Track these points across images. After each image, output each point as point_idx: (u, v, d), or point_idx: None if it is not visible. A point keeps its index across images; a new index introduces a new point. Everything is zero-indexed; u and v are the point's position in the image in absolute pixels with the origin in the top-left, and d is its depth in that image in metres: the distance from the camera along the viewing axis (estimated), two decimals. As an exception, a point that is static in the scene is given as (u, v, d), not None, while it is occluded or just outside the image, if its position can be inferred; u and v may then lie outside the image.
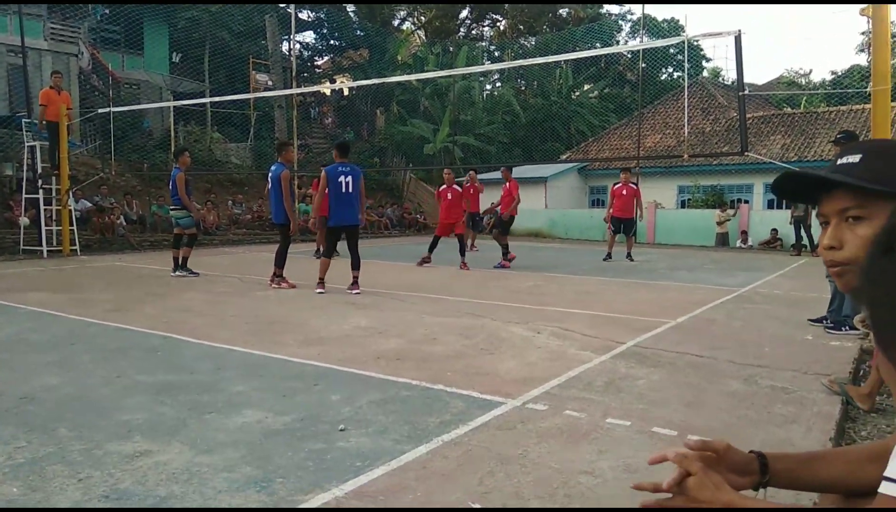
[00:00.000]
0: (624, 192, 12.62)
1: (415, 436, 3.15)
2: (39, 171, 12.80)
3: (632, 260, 12.39)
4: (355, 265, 8.10)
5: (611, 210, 12.81)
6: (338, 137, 28.52)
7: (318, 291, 7.93)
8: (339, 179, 7.92)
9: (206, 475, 2.67)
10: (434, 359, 4.72)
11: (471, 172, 14.34)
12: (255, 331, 5.69)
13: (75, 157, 14.83)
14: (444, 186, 11.58)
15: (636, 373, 4.40)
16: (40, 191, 12.48)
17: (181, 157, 9.64)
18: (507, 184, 11.62)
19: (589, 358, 4.79)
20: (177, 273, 9.40)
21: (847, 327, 5.80)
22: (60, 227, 12.61)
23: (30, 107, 13.92)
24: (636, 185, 13.06)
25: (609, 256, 12.89)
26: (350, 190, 7.93)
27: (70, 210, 12.71)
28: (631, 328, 5.92)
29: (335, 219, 8.08)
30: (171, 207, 9.72)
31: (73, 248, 12.66)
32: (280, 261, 8.51)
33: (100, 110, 14.70)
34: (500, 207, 11.90)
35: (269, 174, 8.70)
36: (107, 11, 22.47)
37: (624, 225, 12.81)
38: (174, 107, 19.07)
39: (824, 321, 6.00)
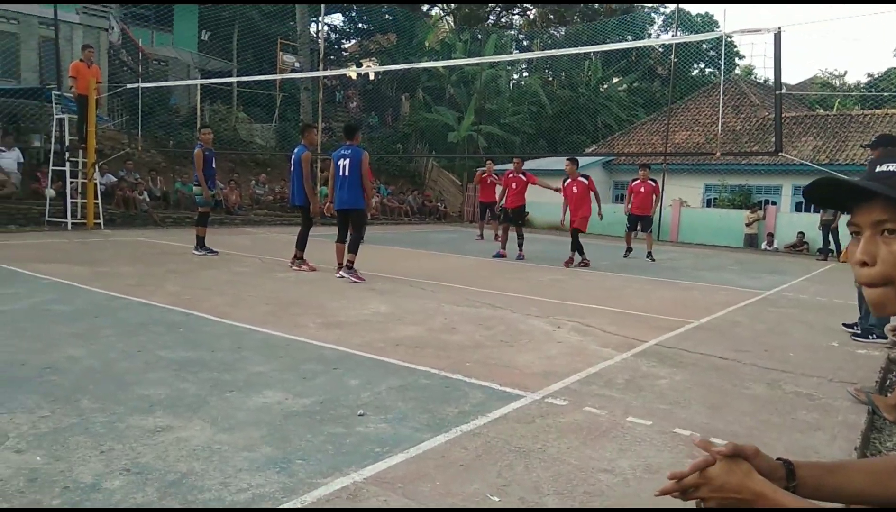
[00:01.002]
0: (642, 189, 12.32)
1: (434, 425, 3.13)
2: (67, 143, 12.93)
3: (653, 259, 12.03)
4: (350, 247, 7.85)
5: (629, 206, 12.59)
6: (362, 121, 28.59)
7: (337, 275, 7.92)
8: (339, 162, 7.86)
9: (227, 453, 2.67)
10: (453, 348, 4.70)
11: (489, 162, 14.19)
12: (275, 312, 5.70)
13: (102, 132, 14.97)
14: (569, 180, 11.07)
15: (658, 372, 4.34)
16: (67, 163, 12.62)
17: (201, 134, 9.70)
18: (521, 175, 11.47)
19: (610, 355, 4.73)
20: (197, 252, 9.47)
21: (874, 336, 5.68)
22: (85, 201, 12.75)
23: (60, 79, 14.04)
24: (655, 182, 12.68)
25: (629, 249, 12.74)
26: (346, 173, 7.76)
27: (95, 184, 12.84)
28: (653, 327, 5.85)
29: (335, 201, 8.07)
30: (194, 184, 9.78)
31: (98, 221, 12.80)
32: (301, 243, 8.51)
33: (128, 85, 14.79)
34: (504, 201, 11.72)
35: (292, 156, 8.70)
36: (139, -13, 22.60)
37: (641, 222, 12.57)
38: (201, 85, 19.17)
39: (855, 327, 5.88)
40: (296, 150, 8.58)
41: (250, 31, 22.91)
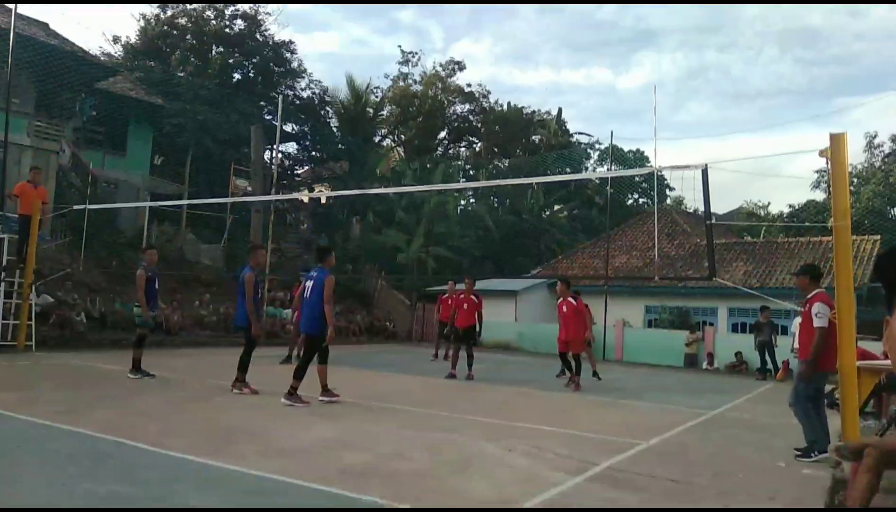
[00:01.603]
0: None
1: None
2: (5, 263, 12.54)
3: (598, 378, 11.99)
4: (295, 372, 7.69)
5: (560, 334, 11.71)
6: (312, 243, 28.81)
7: (320, 398, 7.68)
8: (306, 283, 7.99)
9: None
10: (402, 476, 4.53)
11: (451, 283, 14.29)
12: (213, 439, 5.42)
13: (43, 252, 14.61)
14: (560, 299, 11.22)
15: (611, 496, 4.26)
16: (2, 284, 12.16)
17: (146, 255, 9.59)
18: (472, 296, 11.64)
19: (562, 479, 4.64)
20: (132, 375, 9.06)
21: (815, 453, 5.75)
22: (18, 322, 12.19)
23: (2, 200, 13.83)
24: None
25: (563, 372, 11.97)
26: (308, 294, 7.80)
27: (30, 304, 12.36)
28: (604, 449, 5.80)
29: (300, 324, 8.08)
30: (135, 305, 9.52)
31: (29, 343, 12.18)
32: (243, 365, 8.27)
33: (75, 207, 14.66)
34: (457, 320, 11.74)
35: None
36: (94, 113, 22.99)
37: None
38: (150, 207, 19.17)
39: (811, 454, 5.81)
40: (241, 270, 8.55)
41: (204, 157, 23.33)
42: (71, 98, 21.47)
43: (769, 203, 42.55)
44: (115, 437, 5.25)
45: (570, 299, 11.13)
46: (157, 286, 9.61)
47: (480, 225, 29.70)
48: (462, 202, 33.63)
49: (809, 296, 6.06)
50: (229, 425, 6.07)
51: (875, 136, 30.50)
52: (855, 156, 32.64)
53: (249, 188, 22.39)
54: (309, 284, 7.88)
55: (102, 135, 23.17)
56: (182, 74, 26.27)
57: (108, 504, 3.55)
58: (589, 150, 38.28)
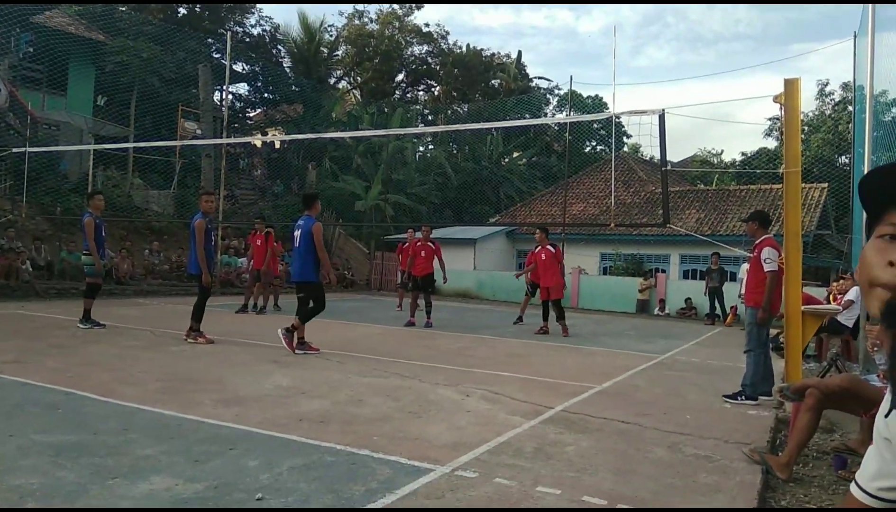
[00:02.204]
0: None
1: (338, 505, 2.98)
2: (-61, 209, 11.93)
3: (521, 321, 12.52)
4: (301, 318, 7.73)
5: (528, 275, 12.42)
6: (267, 189, 28.17)
7: (298, 351, 7.57)
8: (294, 233, 7.86)
9: (106, 551, 2.41)
10: (360, 422, 4.55)
11: (410, 231, 14.11)
12: (167, 389, 5.34)
13: (-19, 197, 13.92)
14: (539, 247, 11.34)
15: (565, 439, 4.38)
16: (-62, 230, 11.60)
17: (93, 201, 9.20)
18: (429, 243, 11.66)
19: (518, 423, 4.74)
20: (82, 325, 8.82)
21: (742, 397, 5.97)
22: (-43, 270, 11.68)
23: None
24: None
25: (520, 319, 12.63)
26: (297, 243, 7.75)
27: (-30, 252, 11.84)
28: (559, 393, 5.94)
29: (291, 273, 7.95)
30: (83, 253, 9.18)
31: (-30, 293, 11.72)
32: (197, 314, 8.12)
33: (14, 150, 13.94)
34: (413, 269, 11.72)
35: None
36: (31, 50, 21.65)
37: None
38: (95, 150, 18.35)
39: (739, 397, 6.07)
40: (193, 217, 8.31)
41: (150, 98, 22.33)
42: (5, 33, 20.15)
43: (722, 151, 43.38)
44: (65, 387, 5.12)
45: (549, 247, 11.30)
46: (103, 234, 9.28)
47: (439, 172, 29.46)
48: (420, 148, 33.24)
49: (758, 241, 6.20)
50: (184, 374, 5.99)
51: (827, 84, 31.09)
52: (807, 103, 33.29)
53: (199, 131, 21.61)
54: (297, 233, 7.74)
55: (41, 74, 21.91)
56: (124, 9, 24.86)
57: (59, 454, 3.47)
58: (548, 96, 38.06)
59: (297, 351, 7.53)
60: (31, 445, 3.63)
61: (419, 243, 11.72)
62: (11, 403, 4.58)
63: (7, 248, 13.90)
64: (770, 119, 31.36)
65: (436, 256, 11.61)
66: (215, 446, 3.81)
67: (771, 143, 33.30)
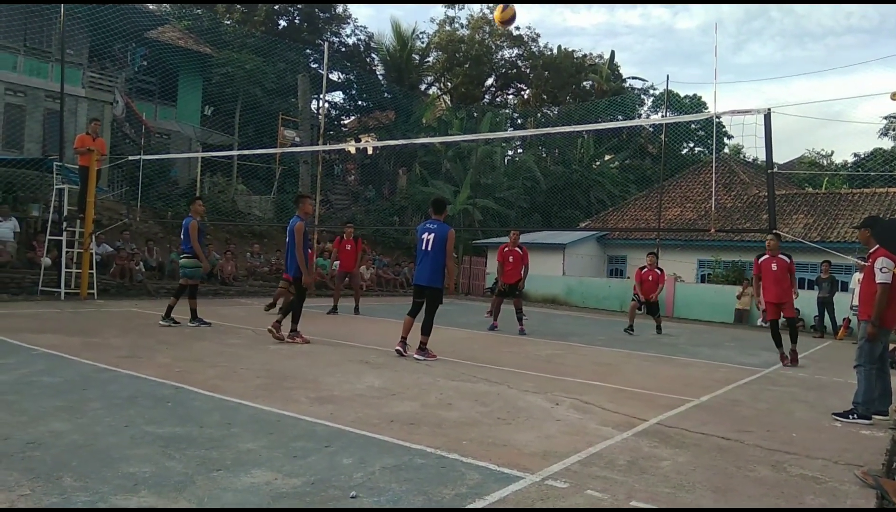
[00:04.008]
0: (650, 277, 12.71)
1: (429, 509, 3.00)
2: (65, 213, 13.00)
3: (660, 333, 12.67)
4: (423, 329, 7.57)
5: (636, 291, 12.90)
6: (359, 194, 28.95)
7: (413, 355, 7.53)
8: (423, 236, 7.65)
9: (211, 539, 2.54)
10: (449, 425, 4.58)
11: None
12: (267, 386, 5.58)
13: (101, 202, 15.09)
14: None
15: (660, 453, 4.22)
16: (64, 233, 12.64)
17: (194, 206, 9.69)
18: (517, 248, 11.56)
19: (610, 434, 4.61)
20: (192, 323, 9.35)
21: (854, 416, 5.55)
22: (80, 270, 12.70)
23: (62, 150, 14.26)
24: (662, 270, 13.17)
25: (631, 328, 12.60)
26: (429, 248, 7.54)
27: (91, 253, 12.83)
28: (653, 405, 5.74)
29: (414, 276, 7.93)
30: (183, 255, 9.65)
31: (91, 291, 12.70)
32: (294, 315, 8.42)
33: (130, 157, 15.02)
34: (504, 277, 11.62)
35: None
36: (145, 63, 23.33)
37: (648, 307, 12.74)
38: (202, 158, 19.50)
39: (850, 416, 5.66)
40: (291, 220, 8.60)
41: (253, 107, 23.52)
42: (122, 48, 21.79)
43: (833, 152, 40.59)
44: (174, 382, 5.45)
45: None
46: (202, 236, 9.81)
47: (528, 176, 29.25)
48: (509, 152, 33.14)
49: (872, 250, 5.76)
50: (282, 372, 6.23)
51: (952, 80, 28.50)
52: (929, 101, 30.60)
53: (297, 139, 22.52)
54: (428, 237, 7.57)
55: (154, 85, 23.53)
56: (228, 22, 26.30)
57: (168, 444, 3.69)
58: (643, 96, 37.03)
59: (417, 356, 7.45)
60: (143, 436, 3.88)
61: (507, 249, 11.63)
62: (126, 395, 4.92)
63: (123, 250, 14.98)
64: (887, 117, 29.13)
65: (522, 263, 11.45)
66: (312, 443, 3.94)
67: (887, 144, 30.92)
